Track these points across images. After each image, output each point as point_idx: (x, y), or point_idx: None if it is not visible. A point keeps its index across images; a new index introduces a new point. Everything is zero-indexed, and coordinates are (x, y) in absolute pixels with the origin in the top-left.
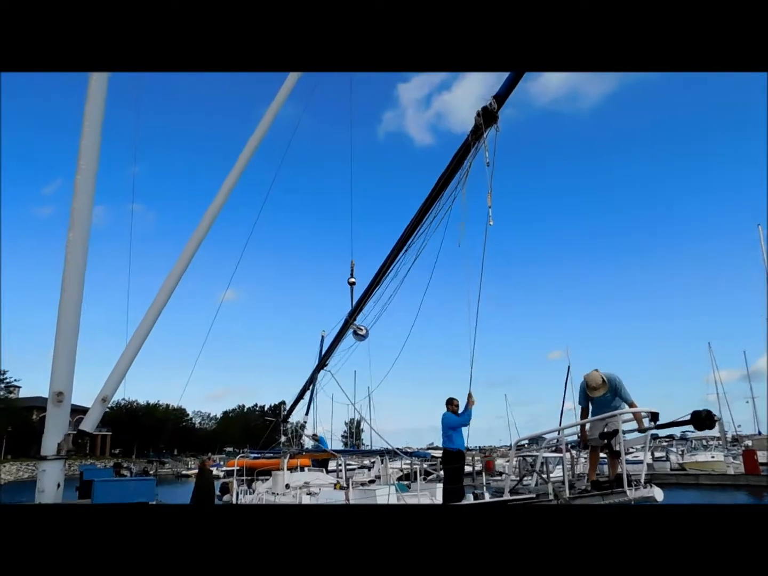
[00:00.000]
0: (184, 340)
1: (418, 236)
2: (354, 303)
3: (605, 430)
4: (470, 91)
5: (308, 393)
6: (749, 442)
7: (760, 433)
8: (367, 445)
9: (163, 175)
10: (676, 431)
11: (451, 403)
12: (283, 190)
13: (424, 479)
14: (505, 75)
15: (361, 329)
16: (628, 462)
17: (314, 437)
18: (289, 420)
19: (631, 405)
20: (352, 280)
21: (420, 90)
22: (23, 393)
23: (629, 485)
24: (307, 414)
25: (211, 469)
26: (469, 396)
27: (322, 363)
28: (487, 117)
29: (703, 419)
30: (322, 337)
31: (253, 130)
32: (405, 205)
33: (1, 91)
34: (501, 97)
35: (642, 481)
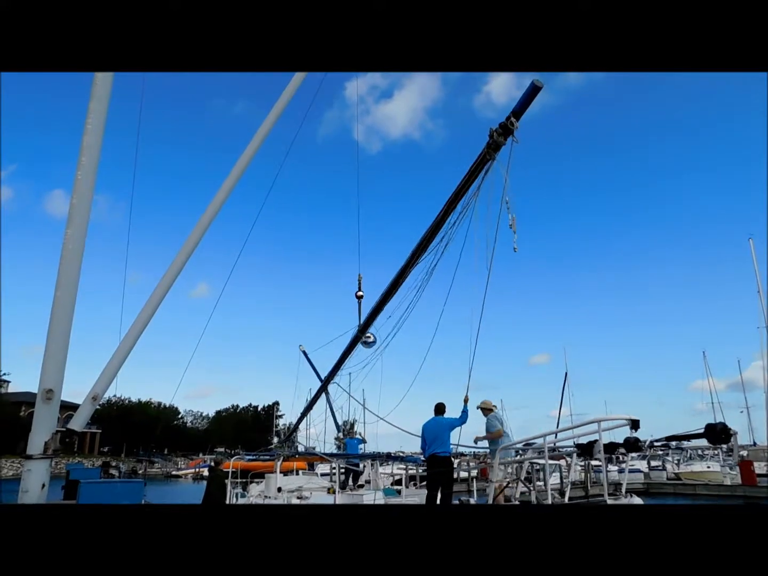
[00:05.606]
0: (159, 336)
1: (426, 255)
2: (361, 317)
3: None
4: (409, 102)
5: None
6: (745, 453)
7: (755, 444)
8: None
9: (138, 166)
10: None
11: (443, 408)
12: (257, 186)
13: (415, 485)
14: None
15: (369, 336)
16: (622, 471)
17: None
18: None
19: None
20: (360, 293)
21: (363, 94)
22: (11, 388)
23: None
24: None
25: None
26: (466, 399)
27: (328, 379)
28: (506, 133)
29: (717, 433)
30: (303, 351)
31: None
32: (362, 205)
33: (1, 90)
34: (518, 112)
35: (624, 491)
